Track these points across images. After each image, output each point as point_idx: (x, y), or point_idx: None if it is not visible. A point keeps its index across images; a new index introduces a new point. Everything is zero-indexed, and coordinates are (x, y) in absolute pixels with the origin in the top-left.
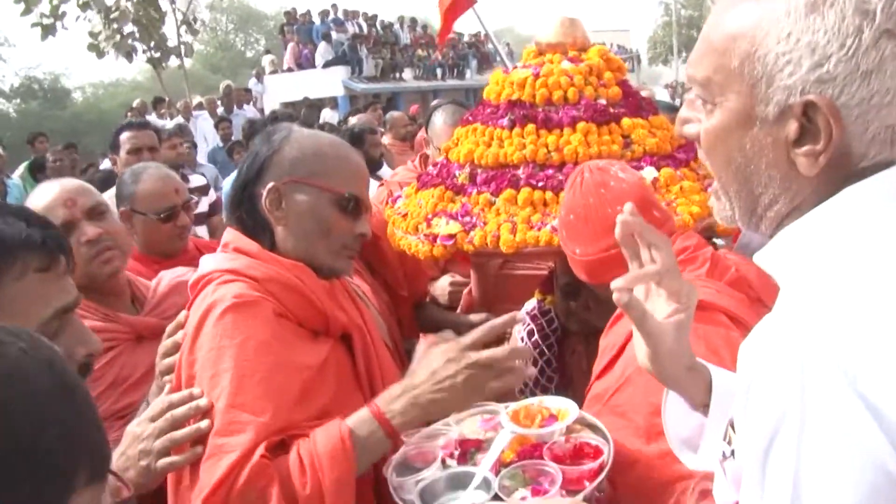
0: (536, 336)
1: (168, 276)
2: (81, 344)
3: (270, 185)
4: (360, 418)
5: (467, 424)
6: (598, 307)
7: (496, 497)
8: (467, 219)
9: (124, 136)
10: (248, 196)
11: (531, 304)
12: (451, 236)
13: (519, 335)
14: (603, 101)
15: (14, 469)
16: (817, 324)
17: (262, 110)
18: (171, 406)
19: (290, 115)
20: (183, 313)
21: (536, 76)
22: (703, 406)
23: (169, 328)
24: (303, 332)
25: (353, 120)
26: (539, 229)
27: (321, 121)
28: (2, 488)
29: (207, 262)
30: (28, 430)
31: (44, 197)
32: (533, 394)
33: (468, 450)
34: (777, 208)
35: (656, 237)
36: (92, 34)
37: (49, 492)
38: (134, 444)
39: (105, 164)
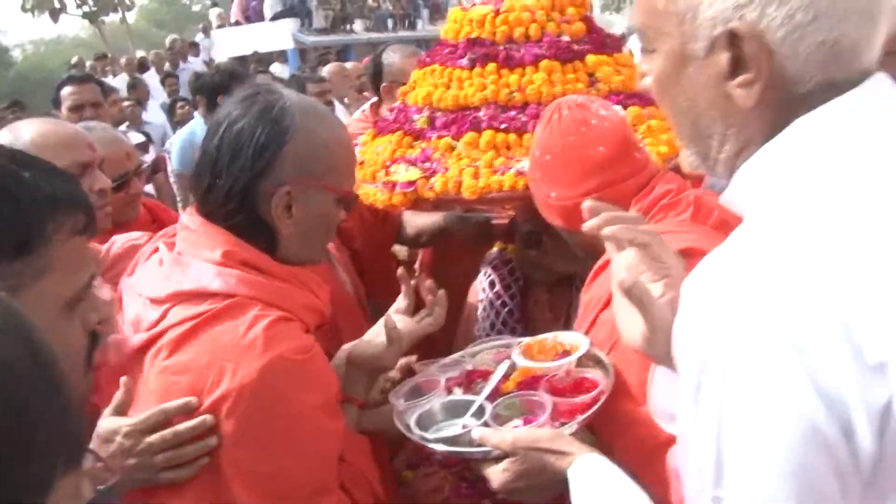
0: (498, 286)
1: (121, 240)
2: (94, 311)
3: (285, 189)
4: (350, 416)
5: (481, 357)
6: (561, 253)
7: (489, 424)
8: (427, 164)
9: (65, 91)
10: (253, 193)
11: (492, 253)
12: (412, 183)
13: (480, 286)
14: (566, 38)
15: None
16: (755, 266)
17: (208, 64)
18: (167, 415)
19: (232, 72)
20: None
21: (497, 13)
22: None
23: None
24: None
25: (328, 71)
26: (503, 173)
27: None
28: None
29: (212, 278)
30: (9, 415)
31: (63, 131)
32: None
33: (474, 380)
34: (727, 148)
35: (630, 219)
36: None
37: (33, 485)
38: (121, 457)
39: None
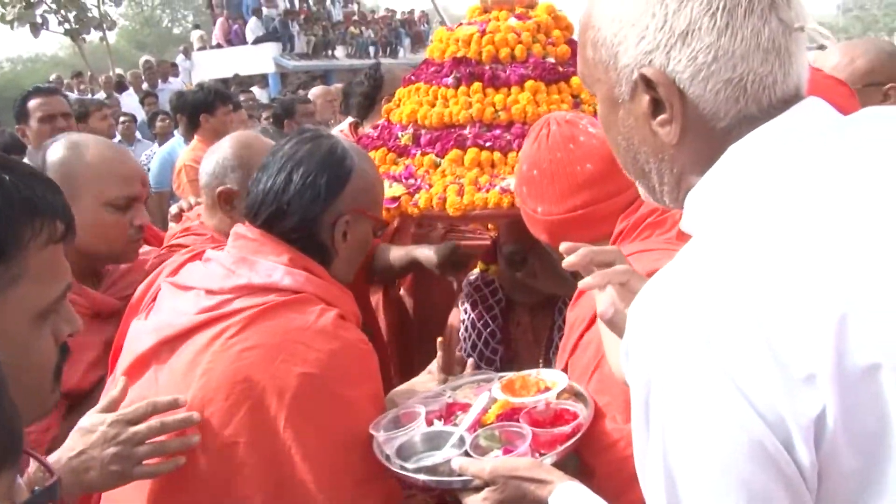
0: (480, 307)
1: None
2: (67, 322)
3: (345, 217)
4: None
5: (462, 391)
6: (550, 274)
7: (469, 454)
8: (411, 181)
9: (33, 102)
10: (319, 221)
11: (474, 274)
12: (395, 199)
13: (462, 306)
14: (551, 60)
15: None
16: (686, 289)
17: (188, 86)
18: (155, 409)
19: (216, 91)
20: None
21: (483, 33)
22: None
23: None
24: None
25: (313, 93)
26: (487, 191)
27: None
28: None
29: (282, 275)
30: None
31: (122, 162)
32: (477, 367)
33: (455, 413)
34: (667, 180)
35: (605, 254)
36: (1, 3)
37: None
38: (102, 445)
39: None
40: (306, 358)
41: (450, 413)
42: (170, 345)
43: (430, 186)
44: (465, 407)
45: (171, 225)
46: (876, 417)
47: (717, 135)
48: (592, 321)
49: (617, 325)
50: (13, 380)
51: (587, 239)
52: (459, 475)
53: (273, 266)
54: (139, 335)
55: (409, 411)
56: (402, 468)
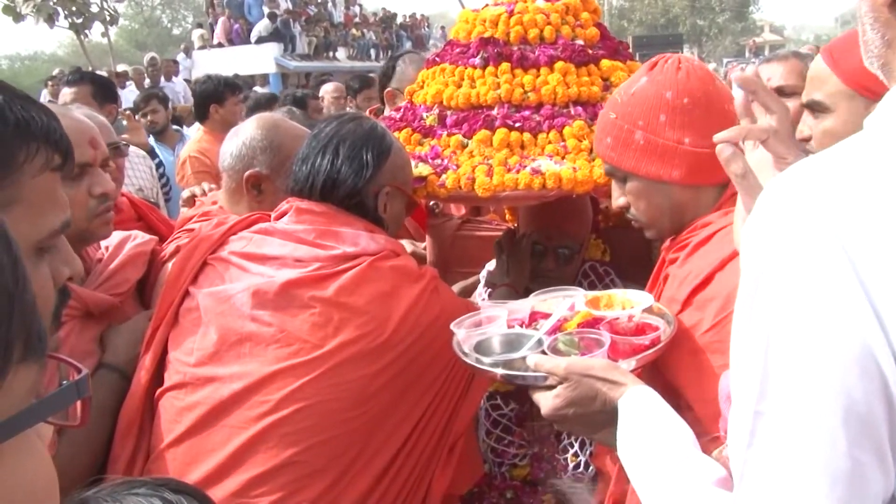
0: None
1: (129, 243)
2: (66, 264)
3: (386, 189)
4: None
5: (547, 304)
6: (562, 266)
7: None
8: (438, 161)
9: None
10: (367, 191)
11: (492, 265)
12: (422, 179)
13: (480, 297)
14: (580, 42)
15: None
16: (835, 181)
17: (189, 83)
18: None
19: (226, 81)
20: None
21: (510, 13)
22: None
23: None
24: None
25: (324, 89)
26: (517, 172)
27: None
28: None
29: (368, 242)
30: None
31: (67, 122)
32: None
33: (536, 320)
34: (869, 37)
35: (773, 100)
36: None
37: None
38: None
39: None
40: (411, 292)
41: (532, 321)
42: (288, 293)
43: (458, 167)
44: (547, 316)
45: (183, 210)
46: None
47: None
48: (709, 277)
49: (742, 186)
50: None
51: (716, 181)
52: (535, 372)
53: (357, 234)
54: (224, 300)
55: (492, 315)
56: (479, 361)
